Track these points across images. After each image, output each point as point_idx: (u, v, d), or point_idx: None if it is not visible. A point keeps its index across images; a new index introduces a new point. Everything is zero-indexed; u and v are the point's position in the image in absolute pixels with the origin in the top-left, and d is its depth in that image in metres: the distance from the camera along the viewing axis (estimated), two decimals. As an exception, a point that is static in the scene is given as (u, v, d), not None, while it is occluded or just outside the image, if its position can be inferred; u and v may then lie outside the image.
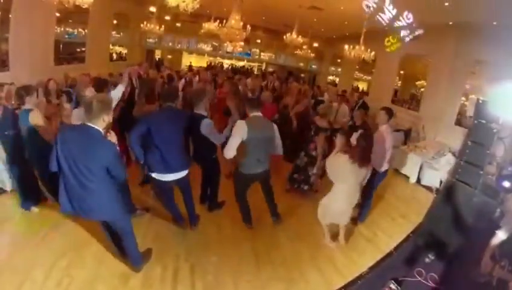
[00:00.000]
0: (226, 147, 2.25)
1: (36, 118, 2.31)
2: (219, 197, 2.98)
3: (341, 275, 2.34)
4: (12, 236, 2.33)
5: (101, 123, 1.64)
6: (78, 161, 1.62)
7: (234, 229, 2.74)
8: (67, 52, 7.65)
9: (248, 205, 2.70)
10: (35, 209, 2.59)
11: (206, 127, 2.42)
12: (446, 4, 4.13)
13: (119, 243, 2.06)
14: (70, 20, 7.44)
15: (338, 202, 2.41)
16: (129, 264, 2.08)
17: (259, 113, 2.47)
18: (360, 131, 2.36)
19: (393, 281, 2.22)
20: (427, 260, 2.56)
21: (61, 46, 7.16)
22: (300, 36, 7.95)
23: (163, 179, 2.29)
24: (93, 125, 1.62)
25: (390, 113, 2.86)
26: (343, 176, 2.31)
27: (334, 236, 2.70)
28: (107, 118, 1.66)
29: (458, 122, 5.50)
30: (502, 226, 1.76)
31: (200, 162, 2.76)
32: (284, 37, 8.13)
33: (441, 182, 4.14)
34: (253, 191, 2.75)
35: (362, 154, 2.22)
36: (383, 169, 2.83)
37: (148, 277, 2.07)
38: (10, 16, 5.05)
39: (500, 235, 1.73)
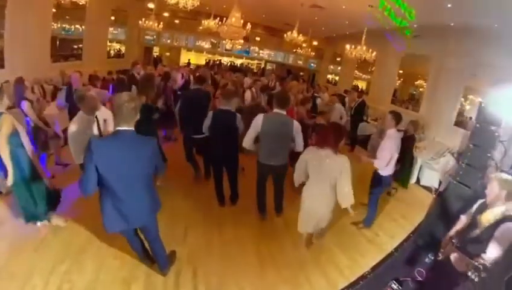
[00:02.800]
0: (244, 138, 2.60)
1: (8, 124, 2.02)
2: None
3: (343, 276, 2.36)
4: (9, 241, 2.22)
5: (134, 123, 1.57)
6: (122, 170, 1.53)
7: (237, 232, 2.73)
8: (64, 49, 7.52)
9: (264, 196, 2.90)
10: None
11: (240, 120, 2.83)
12: (449, 6, 4.11)
13: (143, 249, 2.07)
14: (67, 16, 7.30)
15: (315, 204, 2.29)
16: (156, 269, 2.08)
17: (281, 111, 2.59)
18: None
19: (394, 281, 2.24)
20: (427, 260, 2.58)
21: (57, 42, 7.05)
22: (300, 35, 7.91)
23: (191, 137, 3.25)
24: (127, 128, 1.54)
25: (397, 117, 2.74)
26: (310, 168, 2.21)
27: (308, 240, 2.63)
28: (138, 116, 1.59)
29: (457, 123, 5.54)
30: (468, 212, 1.87)
31: (229, 160, 2.92)
32: (285, 35, 8.08)
33: (440, 182, 4.17)
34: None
35: (321, 139, 2.19)
36: (385, 173, 2.80)
37: (150, 281, 2.04)
38: (6, 11, 4.94)
39: (463, 220, 1.88)
